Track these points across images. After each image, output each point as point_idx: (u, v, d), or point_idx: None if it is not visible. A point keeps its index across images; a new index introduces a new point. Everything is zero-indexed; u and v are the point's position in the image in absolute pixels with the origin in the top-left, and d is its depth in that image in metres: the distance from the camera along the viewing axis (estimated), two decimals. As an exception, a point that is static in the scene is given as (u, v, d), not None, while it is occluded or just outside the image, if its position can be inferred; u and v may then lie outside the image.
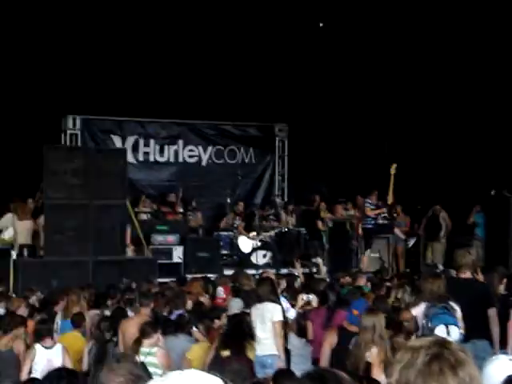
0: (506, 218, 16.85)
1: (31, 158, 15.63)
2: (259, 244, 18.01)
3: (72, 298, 10.23)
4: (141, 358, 7.54)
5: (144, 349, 7.84)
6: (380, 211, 17.26)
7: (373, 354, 6.38)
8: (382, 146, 22.86)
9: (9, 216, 15.22)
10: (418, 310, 7.39)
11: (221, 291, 11.72)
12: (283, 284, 11.76)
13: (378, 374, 6.03)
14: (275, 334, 8.56)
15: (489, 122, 18.85)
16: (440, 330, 6.80)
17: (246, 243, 18.01)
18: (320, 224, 18.46)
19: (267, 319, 8.61)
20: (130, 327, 8.82)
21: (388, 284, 12.07)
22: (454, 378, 2.12)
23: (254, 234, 18.08)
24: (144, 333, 7.94)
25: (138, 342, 7.91)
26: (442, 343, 2.20)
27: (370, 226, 17.36)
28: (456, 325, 7.01)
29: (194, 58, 19.98)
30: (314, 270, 16.88)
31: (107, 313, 10.01)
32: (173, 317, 9.78)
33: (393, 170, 17.23)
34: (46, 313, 10.21)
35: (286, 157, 21.72)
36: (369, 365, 6.35)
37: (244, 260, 17.84)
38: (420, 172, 20.93)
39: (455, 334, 6.85)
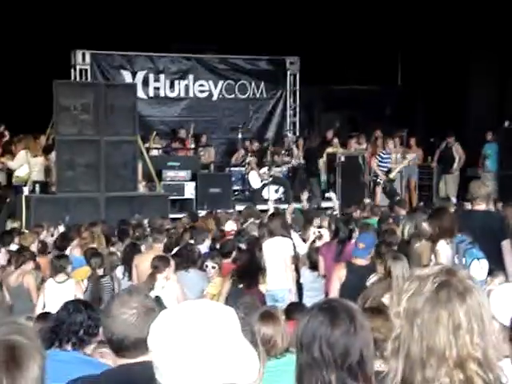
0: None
1: (41, 94, 15.54)
2: (269, 180, 17.96)
3: (83, 234, 10.27)
4: (156, 292, 7.61)
5: (158, 283, 7.90)
6: (381, 177, 17.35)
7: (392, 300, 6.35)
8: (395, 77, 22.71)
9: (23, 153, 15.21)
10: (448, 248, 7.35)
11: (233, 225, 11.71)
12: (317, 221, 11.49)
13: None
14: (286, 267, 8.61)
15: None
16: (475, 266, 6.79)
17: (256, 178, 17.98)
18: (321, 161, 18.32)
19: (278, 253, 8.64)
20: (143, 262, 8.87)
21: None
22: (462, 304, 2.10)
23: (265, 169, 18.02)
24: (157, 267, 7.98)
25: (152, 277, 7.96)
26: (450, 271, 2.18)
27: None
28: (485, 258, 7.01)
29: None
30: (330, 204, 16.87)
31: (113, 249, 10.07)
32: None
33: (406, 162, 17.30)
34: (61, 248, 10.30)
35: (298, 91, 21.50)
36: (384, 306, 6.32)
37: (255, 195, 17.84)
38: (433, 103, 20.79)
39: (486, 267, 6.86)
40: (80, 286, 8.38)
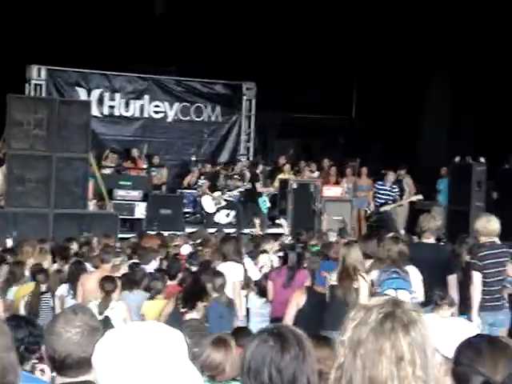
0: (467, 186, 16.92)
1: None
2: (223, 204, 17.95)
3: (26, 249, 10.11)
4: (105, 313, 7.57)
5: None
6: (371, 206, 17.28)
7: (360, 280, 6.89)
8: (350, 109, 22.97)
9: (-32, 164, 15.05)
10: (373, 275, 7.45)
11: (188, 248, 11.65)
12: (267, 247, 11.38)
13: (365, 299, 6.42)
14: (234, 293, 8.61)
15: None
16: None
17: (209, 203, 17.94)
18: (259, 187, 18.28)
19: (228, 278, 8.63)
20: (89, 281, 8.77)
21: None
22: (406, 336, 2.12)
23: (219, 193, 17.99)
24: (108, 288, 7.93)
25: (107, 297, 7.88)
26: (396, 302, 2.20)
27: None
28: (406, 289, 7.06)
29: (163, 13, 19.77)
30: (281, 230, 16.97)
31: (56, 266, 9.96)
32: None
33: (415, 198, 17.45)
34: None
35: (253, 116, 21.58)
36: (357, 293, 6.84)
37: (207, 219, 17.82)
38: (387, 135, 21.05)
39: (405, 298, 6.90)
40: (3, 302, 8.22)
